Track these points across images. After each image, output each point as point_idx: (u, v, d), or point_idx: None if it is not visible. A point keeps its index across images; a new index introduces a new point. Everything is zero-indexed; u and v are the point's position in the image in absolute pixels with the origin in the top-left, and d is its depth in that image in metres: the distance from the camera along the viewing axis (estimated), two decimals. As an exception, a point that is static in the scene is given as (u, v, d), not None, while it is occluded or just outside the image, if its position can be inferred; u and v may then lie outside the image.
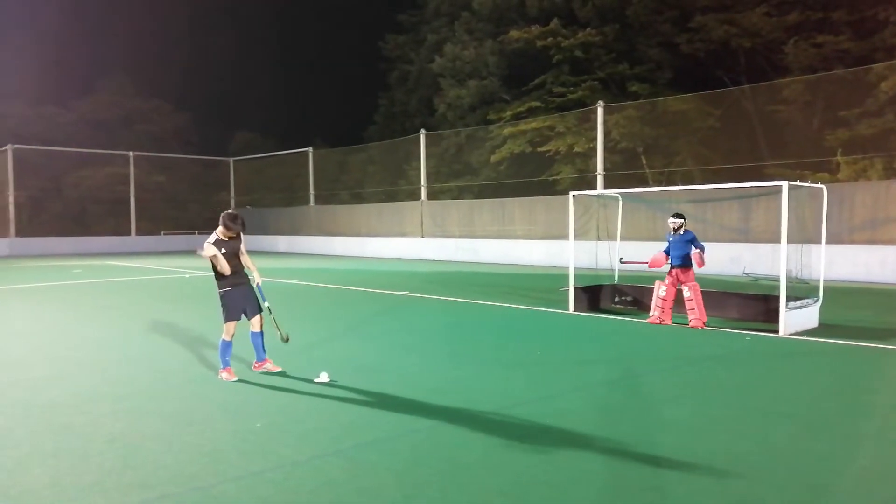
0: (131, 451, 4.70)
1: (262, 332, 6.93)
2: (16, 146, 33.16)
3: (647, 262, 10.30)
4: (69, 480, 4.19)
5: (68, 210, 37.77)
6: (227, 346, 6.76)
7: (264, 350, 7.00)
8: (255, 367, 7.05)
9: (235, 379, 6.70)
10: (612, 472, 4.30)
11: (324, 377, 6.61)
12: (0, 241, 31.78)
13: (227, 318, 6.72)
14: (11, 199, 32.72)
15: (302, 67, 56.87)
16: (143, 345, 8.75)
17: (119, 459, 4.54)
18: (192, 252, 34.38)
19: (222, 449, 4.74)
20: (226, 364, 6.81)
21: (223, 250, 6.67)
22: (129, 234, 35.93)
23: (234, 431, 5.12)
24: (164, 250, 35.35)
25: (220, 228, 6.71)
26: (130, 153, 36.75)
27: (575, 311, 11.32)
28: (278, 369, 6.97)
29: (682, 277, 9.89)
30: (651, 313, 10.28)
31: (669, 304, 10.05)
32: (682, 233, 9.92)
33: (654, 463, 4.43)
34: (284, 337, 6.87)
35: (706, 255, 9.92)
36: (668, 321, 10.03)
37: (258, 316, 6.90)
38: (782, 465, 4.40)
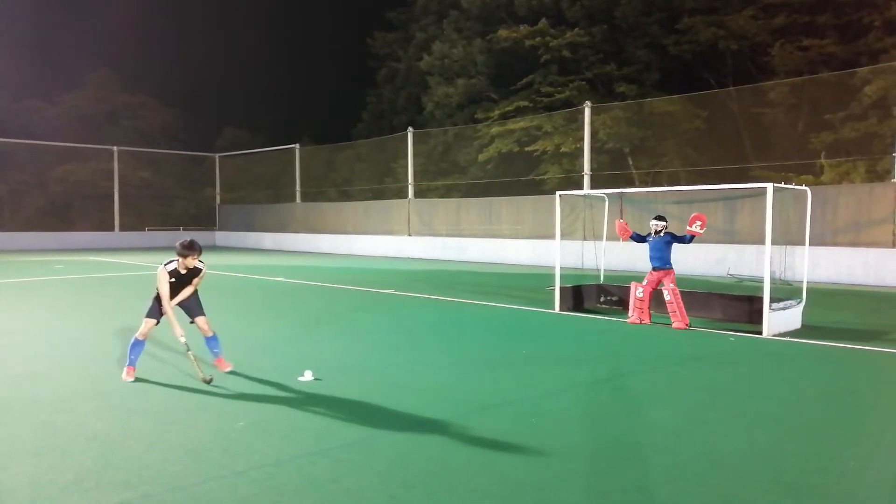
0: (112, 450, 4.64)
1: (214, 336, 6.72)
2: (-2, 140, 32.76)
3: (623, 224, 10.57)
4: (48, 479, 4.13)
5: (52, 205, 37.30)
6: (136, 344, 6.51)
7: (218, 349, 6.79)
8: (215, 362, 6.84)
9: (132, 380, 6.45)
10: (598, 472, 4.31)
11: (308, 376, 6.57)
12: (-19, 236, 31.38)
13: (147, 315, 6.47)
14: (-7, 194, 32.34)
15: (290, 64, 56.63)
16: (126, 342, 8.62)
17: (100, 458, 4.48)
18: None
19: (205, 448, 4.70)
20: (130, 363, 6.54)
21: (173, 279, 6.42)
22: (112, 229, 35.60)
23: (216, 430, 5.07)
24: (149, 246, 35.04)
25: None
26: (115, 148, 36.39)
27: (561, 310, 11.34)
28: (230, 367, 6.76)
29: (664, 279, 9.93)
30: (630, 314, 10.35)
31: (647, 304, 10.12)
32: (662, 235, 9.96)
33: (639, 463, 4.45)
34: (207, 378, 6.32)
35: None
36: (648, 321, 10.10)
37: (202, 318, 6.64)
38: (766, 465, 4.42)
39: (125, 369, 6.55)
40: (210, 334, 6.71)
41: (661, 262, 9.91)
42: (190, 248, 6.35)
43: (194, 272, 6.54)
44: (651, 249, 10.02)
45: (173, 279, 6.44)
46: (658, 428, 5.18)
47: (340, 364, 7.33)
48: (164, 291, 6.37)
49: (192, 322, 6.69)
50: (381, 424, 5.24)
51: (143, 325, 6.46)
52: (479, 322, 10.63)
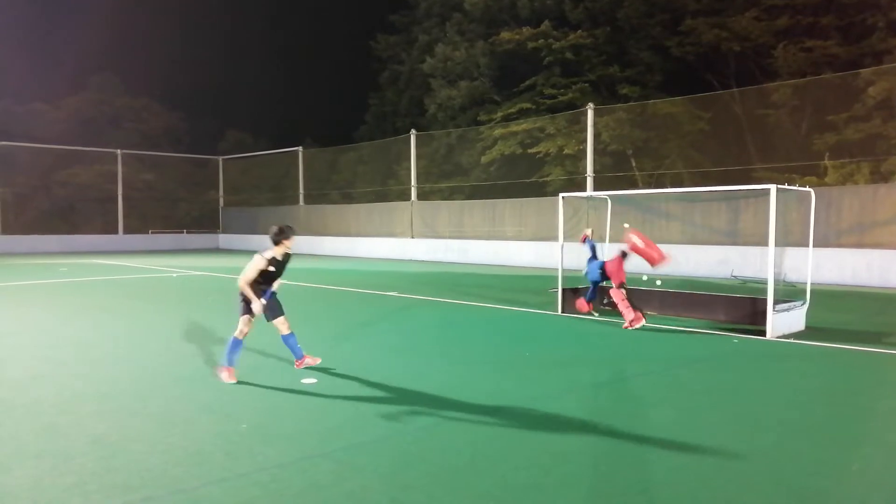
0: (115, 452, 4.64)
1: (291, 333, 6.93)
2: (2, 143, 32.83)
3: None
4: (50, 482, 4.14)
5: (56, 207, 37.43)
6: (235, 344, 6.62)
7: (299, 348, 7.03)
8: (296, 364, 7.06)
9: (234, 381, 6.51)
10: (600, 474, 4.30)
11: (311, 379, 6.56)
12: (-14, 239, 31.49)
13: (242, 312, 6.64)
14: (-3, 196, 32.45)
15: (293, 67, 56.79)
16: (129, 344, 8.67)
17: (102, 460, 4.49)
18: (179, 251, 34.23)
19: (207, 450, 4.70)
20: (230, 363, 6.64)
21: (271, 268, 6.59)
22: (116, 232, 35.68)
23: (219, 432, 5.07)
24: (152, 249, 35.13)
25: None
26: (118, 151, 36.48)
27: (563, 312, 11.32)
28: (318, 361, 7.09)
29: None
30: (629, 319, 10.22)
31: (623, 301, 10.22)
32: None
33: (641, 466, 4.43)
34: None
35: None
36: (640, 316, 10.06)
37: (281, 318, 6.81)
38: (769, 468, 4.40)
39: (224, 370, 6.61)
40: (288, 332, 6.89)
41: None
42: (281, 234, 6.58)
43: (287, 258, 6.73)
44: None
45: (272, 268, 6.58)
46: (661, 430, 5.16)
47: (343, 366, 7.32)
48: (251, 276, 6.46)
49: (270, 321, 6.82)
50: (383, 427, 5.23)
51: (240, 323, 6.58)
52: (481, 324, 10.62)
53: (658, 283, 11.27)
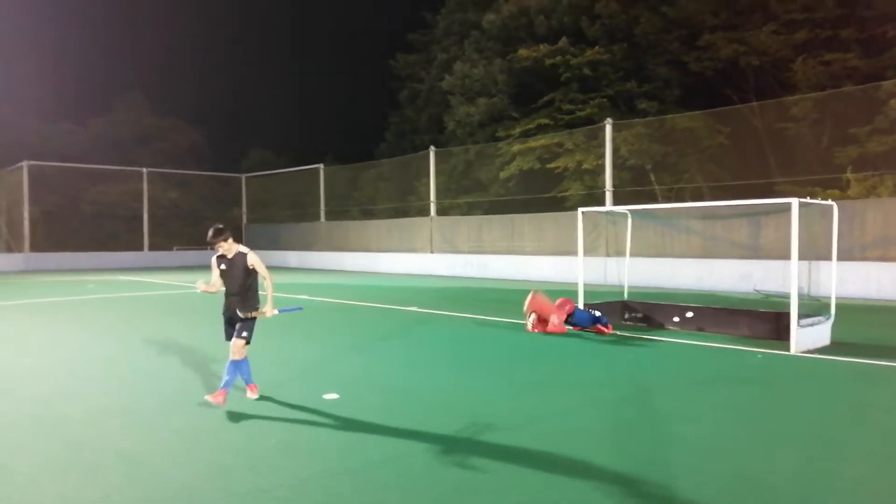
0: (139, 467, 4.73)
1: (237, 361, 6.32)
2: (31, 162, 33.59)
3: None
4: (77, 495, 4.23)
5: (83, 226, 38.13)
6: (234, 365, 6.39)
7: (231, 380, 6.34)
8: (219, 392, 6.29)
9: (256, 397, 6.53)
10: (621, 492, 4.28)
11: (333, 394, 6.62)
12: (15, 256, 32.11)
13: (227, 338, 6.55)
14: (26, 215, 33.10)
15: (315, 86, 57.53)
16: (154, 360, 8.81)
17: (127, 475, 4.57)
18: (204, 267, 34.62)
19: (230, 465, 4.76)
20: (247, 381, 6.60)
21: (223, 266, 6.53)
22: (142, 249, 36.28)
23: (241, 447, 5.14)
24: (177, 265, 35.60)
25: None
26: (144, 170, 37.19)
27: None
28: (223, 405, 6.21)
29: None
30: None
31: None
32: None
33: (663, 484, 4.41)
34: None
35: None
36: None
37: (237, 342, 6.30)
38: (794, 486, 4.36)
39: (247, 388, 6.63)
40: (235, 357, 6.30)
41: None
42: (215, 236, 6.51)
43: (241, 258, 6.54)
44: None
45: (223, 266, 6.58)
46: (683, 447, 5.14)
47: (365, 382, 7.38)
48: (213, 276, 6.67)
49: (227, 340, 6.52)
50: (404, 442, 5.27)
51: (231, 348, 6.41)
52: (501, 339, 10.62)
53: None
